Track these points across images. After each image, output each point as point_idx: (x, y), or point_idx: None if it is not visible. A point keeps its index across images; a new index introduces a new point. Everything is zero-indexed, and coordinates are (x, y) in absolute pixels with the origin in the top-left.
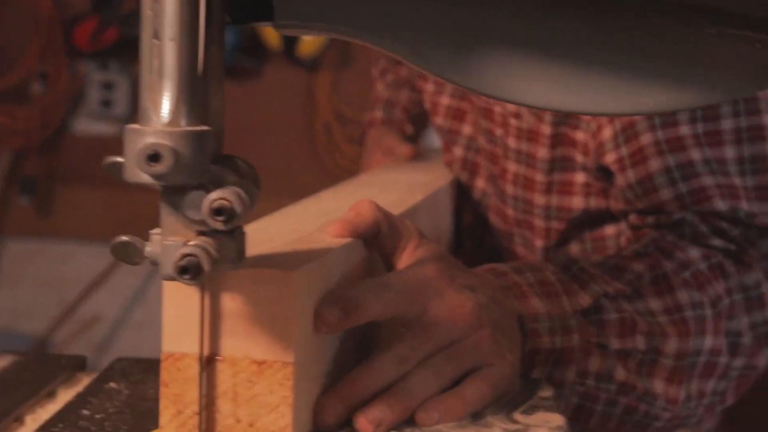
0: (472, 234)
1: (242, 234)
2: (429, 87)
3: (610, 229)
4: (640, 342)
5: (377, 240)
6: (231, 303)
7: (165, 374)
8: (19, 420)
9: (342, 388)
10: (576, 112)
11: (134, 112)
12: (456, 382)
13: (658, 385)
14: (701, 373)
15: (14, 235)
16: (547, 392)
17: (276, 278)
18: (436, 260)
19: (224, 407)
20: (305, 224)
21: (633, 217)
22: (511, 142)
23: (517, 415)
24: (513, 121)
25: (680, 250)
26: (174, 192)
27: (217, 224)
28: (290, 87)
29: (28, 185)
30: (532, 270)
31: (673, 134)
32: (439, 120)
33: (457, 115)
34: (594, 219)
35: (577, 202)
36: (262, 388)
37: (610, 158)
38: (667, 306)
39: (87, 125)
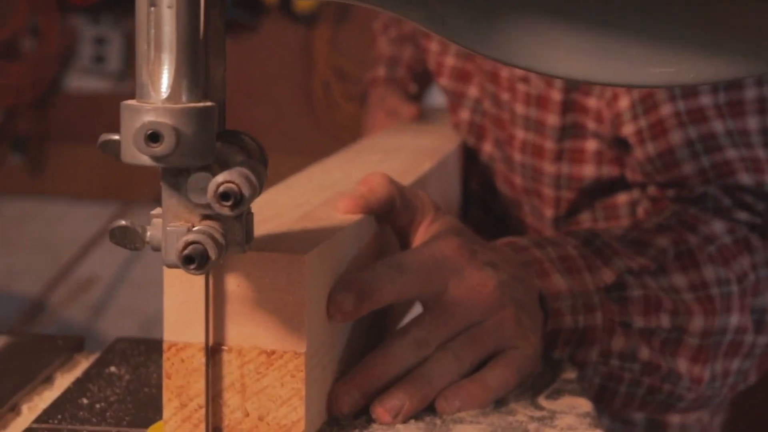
0: (479, 201)
1: (250, 215)
2: (433, 46)
3: (622, 198)
4: (664, 320)
5: (390, 215)
6: (237, 289)
7: (168, 365)
8: (15, 409)
9: (357, 374)
10: (607, 84)
11: (128, 69)
12: (478, 366)
13: (683, 365)
14: (726, 352)
15: (6, 194)
16: (570, 374)
17: (286, 262)
18: (454, 235)
19: (231, 400)
20: (311, 197)
21: (652, 189)
22: (519, 108)
23: (542, 401)
24: (521, 87)
25: (704, 223)
26: (176, 173)
27: (224, 210)
28: (287, 43)
29: (19, 144)
30: (553, 244)
31: (694, 105)
32: (443, 81)
33: (462, 77)
34: (606, 187)
35: (589, 171)
36: (272, 380)
37: (628, 130)
38: (693, 282)
39: (79, 82)
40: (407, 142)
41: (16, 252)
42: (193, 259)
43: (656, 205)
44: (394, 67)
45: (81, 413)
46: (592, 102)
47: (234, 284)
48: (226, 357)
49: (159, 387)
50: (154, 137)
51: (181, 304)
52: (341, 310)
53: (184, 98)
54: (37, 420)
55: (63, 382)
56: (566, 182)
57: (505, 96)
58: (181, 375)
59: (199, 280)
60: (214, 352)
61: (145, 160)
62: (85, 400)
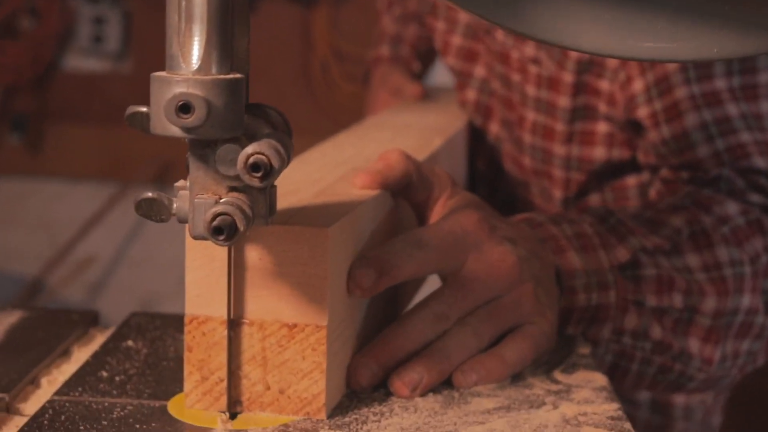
0: (485, 181)
1: (274, 188)
2: (440, 25)
3: (631, 180)
4: (677, 300)
5: (407, 191)
6: (260, 262)
7: (189, 338)
8: (35, 382)
9: (376, 348)
10: (631, 59)
11: (126, 49)
12: (495, 341)
13: (694, 345)
14: (737, 333)
15: (4, 174)
16: (584, 349)
17: (309, 236)
18: (473, 209)
19: (252, 373)
20: (326, 173)
21: (665, 172)
22: (530, 90)
23: (558, 375)
24: (532, 68)
25: (718, 204)
26: (203, 145)
27: (254, 181)
28: (286, 23)
29: (18, 123)
30: (569, 221)
31: (708, 88)
32: (450, 60)
33: (469, 56)
34: (615, 169)
35: (599, 153)
36: (294, 353)
37: (642, 113)
38: (706, 263)
39: (78, 61)
40: (414, 119)
41: (14, 232)
42: (222, 231)
43: (669, 187)
44: (398, 46)
45: (101, 386)
46: (604, 84)
47: (256, 257)
48: (247, 330)
49: (177, 360)
50: (185, 108)
51: (202, 278)
52: (361, 285)
53: (213, 70)
54: (58, 392)
55: (80, 355)
56: (576, 164)
57: (515, 77)
58: (202, 348)
59: (220, 254)
60: (235, 325)
61: (176, 131)
62: (104, 373)
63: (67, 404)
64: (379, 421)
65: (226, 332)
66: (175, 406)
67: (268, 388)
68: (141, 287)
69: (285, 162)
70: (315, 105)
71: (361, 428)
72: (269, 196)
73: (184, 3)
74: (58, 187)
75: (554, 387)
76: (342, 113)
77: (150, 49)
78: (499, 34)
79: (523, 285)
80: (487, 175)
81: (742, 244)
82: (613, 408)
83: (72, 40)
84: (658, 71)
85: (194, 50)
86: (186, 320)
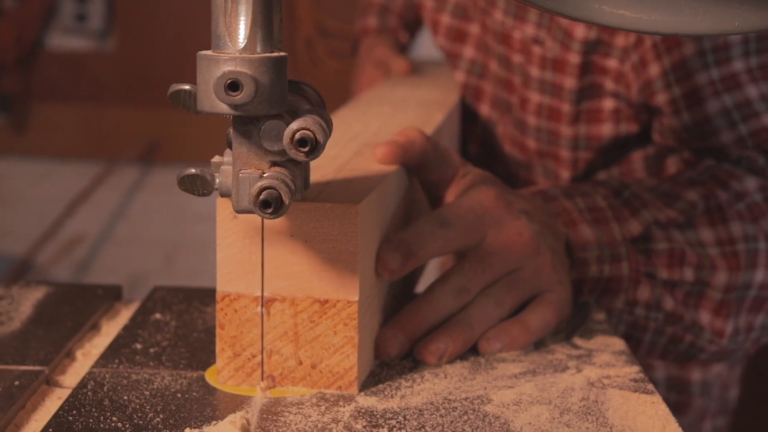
0: (479, 163)
1: (308, 163)
2: (429, 2)
3: (637, 154)
4: (688, 273)
5: (423, 169)
6: (291, 239)
7: (221, 315)
8: (70, 355)
9: (403, 320)
10: (656, 33)
11: (110, 27)
12: (517, 310)
13: (705, 317)
14: (750, 307)
15: None
16: (599, 315)
17: (340, 212)
18: (489, 186)
19: (285, 349)
20: (341, 149)
21: (687, 154)
22: (534, 71)
23: (577, 340)
24: (536, 49)
25: (736, 179)
26: (246, 122)
27: (300, 155)
28: None
29: (3, 103)
30: (582, 194)
31: (727, 72)
32: (440, 40)
33: (458, 37)
34: (622, 145)
35: (607, 130)
36: (325, 328)
37: (661, 99)
38: (719, 237)
39: (61, 40)
40: (409, 94)
41: (0, 211)
42: (270, 204)
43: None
44: (385, 16)
45: (137, 357)
46: (612, 63)
47: (287, 234)
48: (279, 306)
49: (207, 332)
50: (233, 86)
51: (234, 255)
52: (389, 268)
53: (258, 48)
54: (96, 365)
55: (109, 329)
56: (584, 143)
57: (516, 58)
58: (235, 325)
59: (251, 232)
60: (267, 301)
61: (224, 108)
62: (138, 345)
63: (107, 375)
64: (412, 387)
65: (258, 309)
66: (212, 376)
67: (300, 363)
68: (128, 265)
69: (328, 137)
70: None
71: (395, 393)
72: (304, 170)
73: None
74: (44, 167)
75: (575, 352)
76: (327, 90)
77: (133, 27)
78: (498, 14)
79: (540, 256)
80: (481, 157)
81: (757, 220)
82: (634, 371)
83: (55, 19)
84: (674, 55)
85: (240, 30)
86: (218, 297)
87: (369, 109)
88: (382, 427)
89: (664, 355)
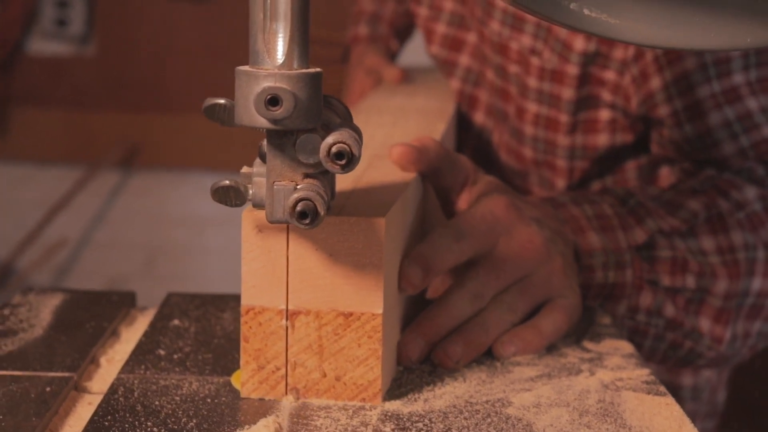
0: None
1: (334, 175)
2: (423, 11)
3: (631, 164)
4: (689, 281)
5: (437, 175)
6: (316, 253)
7: (245, 329)
8: (94, 361)
9: (422, 325)
10: (673, 48)
11: (90, 32)
12: (529, 315)
13: (705, 324)
14: (748, 314)
15: None
16: (605, 319)
17: (365, 226)
18: (500, 193)
19: (309, 361)
20: None
21: (686, 164)
22: (532, 82)
23: (586, 343)
24: (534, 60)
25: (736, 189)
26: (281, 135)
27: (336, 168)
28: None
29: None
30: (590, 202)
31: (728, 84)
32: (434, 49)
33: (454, 45)
34: (617, 154)
35: (603, 139)
36: (350, 341)
37: (663, 111)
38: (720, 246)
39: (41, 45)
40: (406, 102)
41: None
42: (307, 215)
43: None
44: (376, 25)
45: (162, 363)
46: (609, 74)
47: (312, 248)
48: (303, 320)
49: (226, 338)
50: (273, 101)
51: (258, 269)
52: (411, 283)
53: (295, 64)
54: (123, 371)
55: (128, 335)
56: (581, 152)
57: (513, 68)
58: (259, 338)
59: (276, 245)
60: (292, 315)
61: (263, 122)
62: (161, 351)
63: (135, 381)
64: (433, 390)
65: (283, 322)
66: (237, 381)
67: (325, 376)
68: (108, 269)
69: (361, 149)
70: None
71: (419, 397)
72: (331, 182)
73: (269, 2)
74: (25, 171)
75: (586, 355)
76: None
77: (114, 32)
78: (495, 24)
79: (551, 262)
80: (475, 164)
81: (756, 229)
82: (645, 373)
83: (35, 23)
84: (676, 69)
85: (279, 46)
86: (242, 311)
87: (369, 119)
88: (410, 430)
89: (663, 361)
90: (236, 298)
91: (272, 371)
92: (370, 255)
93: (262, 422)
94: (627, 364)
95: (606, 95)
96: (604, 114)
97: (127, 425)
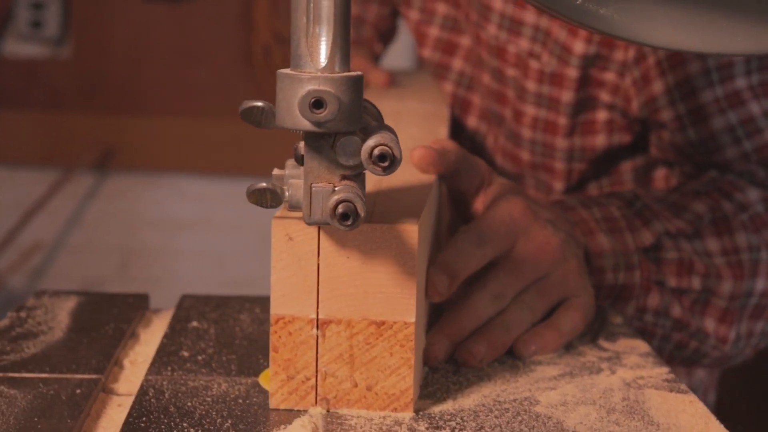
0: None
1: (364, 176)
2: (414, 14)
3: (626, 165)
4: (695, 282)
5: (455, 178)
6: (347, 261)
7: (275, 338)
8: (118, 363)
9: (447, 325)
10: (697, 52)
11: (65, 34)
12: (546, 315)
13: (710, 324)
14: (751, 314)
15: None
16: (616, 318)
17: (398, 233)
18: (517, 196)
19: (340, 371)
20: None
21: (689, 168)
22: (530, 85)
23: (603, 343)
24: (533, 64)
25: (739, 191)
26: (319, 137)
27: (378, 170)
28: (227, 7)
29: None
30: (598, 205)
31: (730, 89)
32: (426, 52)
33: (448, 49)
34: (614, 155)
35: (601, 141)
36: (381, 350)
37: (665, 115)
38: (725, 248)
39: (16, 47)
40: (398, 106)
41: None
42: (349, 216)
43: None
44: (360, 28)
45: (187, 365)
46: (609, 76)
47: (343, 256)
48: (334, 329)
49: (247, 339)
50: (318, 104)
51: (288, 277)
52: (439, 291)
53: (337, 68)
54: (150, 372)
55: (147, 337)
56: (579, 154)
57: (510, 72)
58: (289, 348)
59: (307, 254)
60: (322, 324)
61: (306, 125)
62: (185, 353)
63: (164, 383)
64: (460, 390)
65: (313, 331)
66: (265, 381)
67: (356, 386)
68: (83, 272)
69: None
70: (257, 89)
71: (447, 397)
72: (363, 183)
73: (312, 6)
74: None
75: (604, 354)
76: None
77: (89, 34)
78: (492, 28)
79: (567, 263)
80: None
81: (760, 230)
82: (664, 371)
83: (10, 26)
84: (679, 73)
85: (322, 50)
86: (272, 320)
87: None
88: (444, 429)
89: (669, 361)
90: (251, 300)
91: (302, 381)
92: (403, 263)
93: (297, 422)
94: (645, 362)
95: (604, 96)
96: (602, 115)
97: (163, 426)
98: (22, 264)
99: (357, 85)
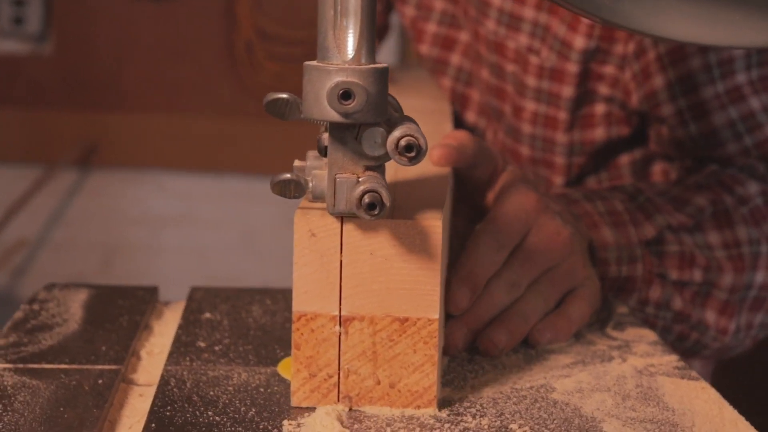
0: None
1: (384, 166)
2: (409, 11)
3: (624, 158)
4: (697, 275)
5: (472, 169)
6: (370, 257)
7: (297, 336)
8: (135, 354)
9: (465, 315)
10: (713, 45)
11: (47, 30)
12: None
13: (710, 316)
14: (750, 307)
15: None
16: (621, 308)
17: (422, 228)
18: (528, 188)
19: (362, 369)
20: None
21: (688, 162)
22: (530, 81)
23: (611, 331)
24: (533, 59)
25: (740, 184)
26: (343, 129)
27: (404, 161)
28: (209, 3)
29: None
30: (601, 198)
31: (731, 84)
32: (424, 48)
33: (446, 44)
34: (612, 148)
35: (600, 133)
36: (405, 347)
37: (666, 110)
38: (726, 241)
39: None
40: (401, 103)
41: None
42: (375, 206)
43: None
44: None
45: (205, 355)
46: (608, 69)
47: (366, 252)
48: (358, 326)
49: (261, 329)
50: (346, 95)
51: (311, 274)
52: (460, 306)
53: (363, 60)
54: (169, 363)
55: (161, 329)
56: (579, 148)
57: (510, 67)
58: (311, 345)
59: (330, 250)
60: (345, 321)
61: (334, 115)
62: (202, 344)
63: (184, 373)
64: (477, 377)
65: (336, 328)
66: (284, 370)
67: (379, 383)
68: (65, 269)
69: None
70: (239, 85)
71: (465, 384)
72: (383, 175)
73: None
74: None
75: (614, 343)
76: (267, 93)
77: (71, 30)
78: (491, 23)
79: (575, 254)
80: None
81: (759, 223)
82: (674, 359)
83: None
84: (680, 68)
85: (349, 42)
86: (294, 317)
87: None
88: (465, 415)
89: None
90: (260, 292)
91: (324, 379)
92: (427, 258)
93: (323, 409)
94: (654, 350)
95: (603, 89)
96: (600, 108)
97: (188, 415)
98: (5, 261)
99: (383, 76)
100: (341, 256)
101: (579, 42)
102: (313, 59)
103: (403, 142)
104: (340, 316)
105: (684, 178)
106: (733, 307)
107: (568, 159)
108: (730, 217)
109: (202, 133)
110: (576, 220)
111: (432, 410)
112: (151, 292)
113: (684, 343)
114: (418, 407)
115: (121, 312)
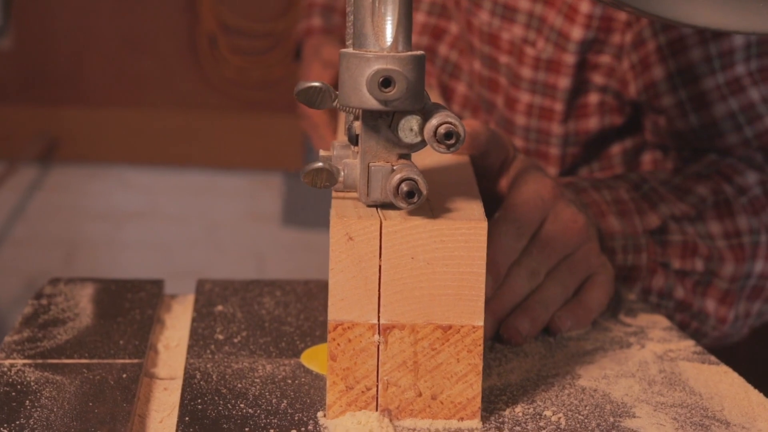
0: None
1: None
2: None
3: (616, 148)
4: (698, 264)
5: (485, 157)
6: (411, 262)
7: (333, 346)
8: (153, 348)
9: (491, 304)
10: (736, 32)
11: (6, 25)
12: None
13: (711, 305)
14: (749, 296)
15: None
16: (631, 295)
17: (466, 230)
18: (542, 175)
19: (403, 380)
20: None
21: (686, 152)
22: (525, 72)
23: (624, 318)
24: (529, 51)
25: (739, 174)
26: (376, 117)
27: (442, 148)
28: None
29: None
30: (608, 187)
31: (731, 75)
32: (413, 38)
33: (435, 34)
34: (604, 138)
35: (594, 123)
36: (448, 356)
37: (666, 101)
38: (727, 231)
39: None
40: None
41: None
42: (414, 194)
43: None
44: (330, 15)
45: (226, 347)
46: (604, 59)
47: (407, 256)
48: (398, 335)
49: (276, 321)
50: (386, 83)
51: (348, 280)
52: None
53: (400, 47)
54: (191, 355)
55: (173, 322)
56: (573, 139)
57: (504, 59)
58: (348, 356)
59: (368, 254)
60: (384, 329)
61: (373, 103)
62: (220, 336)
63: (208, 366)
64: (501, 365)
65: (374, 338)
66: (307, 360)
67: (420, 395)
68: (27, 265)
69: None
70: (202, 78)
71: (491, 372)
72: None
73: None
74: None
75: (629, 329)
76: (230, 87)
77: (30, 24)
78: (485, 15)
79: (590, 242)
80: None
81: (759, 213)
82: (691, 344)
83: None
84: (680, 59)
85: (388, 30)
86: (329, 327)
87: None
88: (497, 403)
89: None
90: (268, 284)
91: (362, 391)
92: (471, 262)
93: None
94: (670, 336)
95: (597, 78)
96: (594, 97)
97: (220, 407)
98: None
99: (421, 64)
100: (380, 260)
101: (576, 33)
102: (275, 52)
103: (442, 130)
104: (379, 325)
105: (683, 167)
106: (733, 296)
107: (563, 150)
108: (730, 206)
109: (165, 127)
110: (584, 208)
111: (476, 422)
112: (157, 285)
113: (685, 331)
114: (462, 419)
115: (132, 306)
